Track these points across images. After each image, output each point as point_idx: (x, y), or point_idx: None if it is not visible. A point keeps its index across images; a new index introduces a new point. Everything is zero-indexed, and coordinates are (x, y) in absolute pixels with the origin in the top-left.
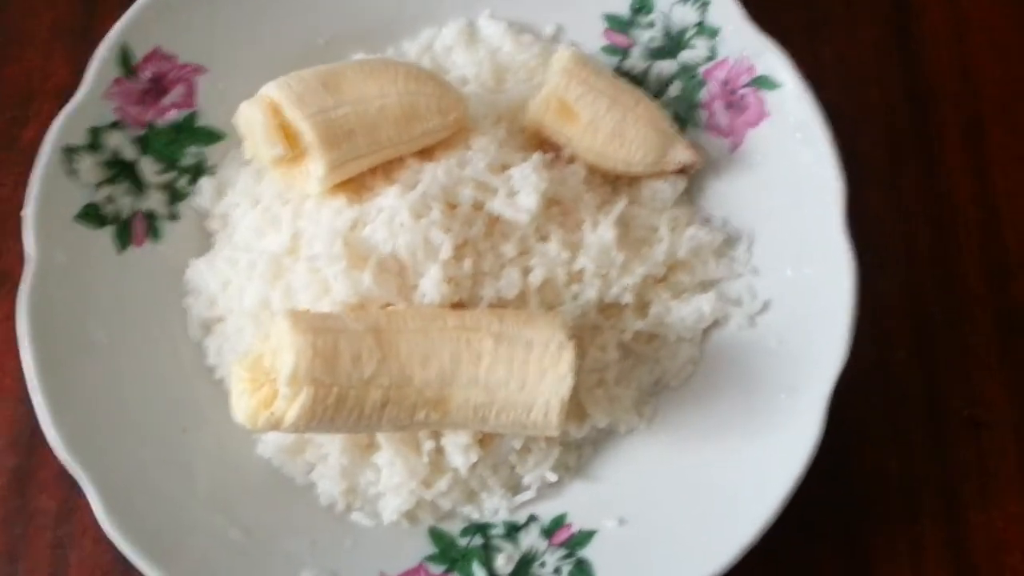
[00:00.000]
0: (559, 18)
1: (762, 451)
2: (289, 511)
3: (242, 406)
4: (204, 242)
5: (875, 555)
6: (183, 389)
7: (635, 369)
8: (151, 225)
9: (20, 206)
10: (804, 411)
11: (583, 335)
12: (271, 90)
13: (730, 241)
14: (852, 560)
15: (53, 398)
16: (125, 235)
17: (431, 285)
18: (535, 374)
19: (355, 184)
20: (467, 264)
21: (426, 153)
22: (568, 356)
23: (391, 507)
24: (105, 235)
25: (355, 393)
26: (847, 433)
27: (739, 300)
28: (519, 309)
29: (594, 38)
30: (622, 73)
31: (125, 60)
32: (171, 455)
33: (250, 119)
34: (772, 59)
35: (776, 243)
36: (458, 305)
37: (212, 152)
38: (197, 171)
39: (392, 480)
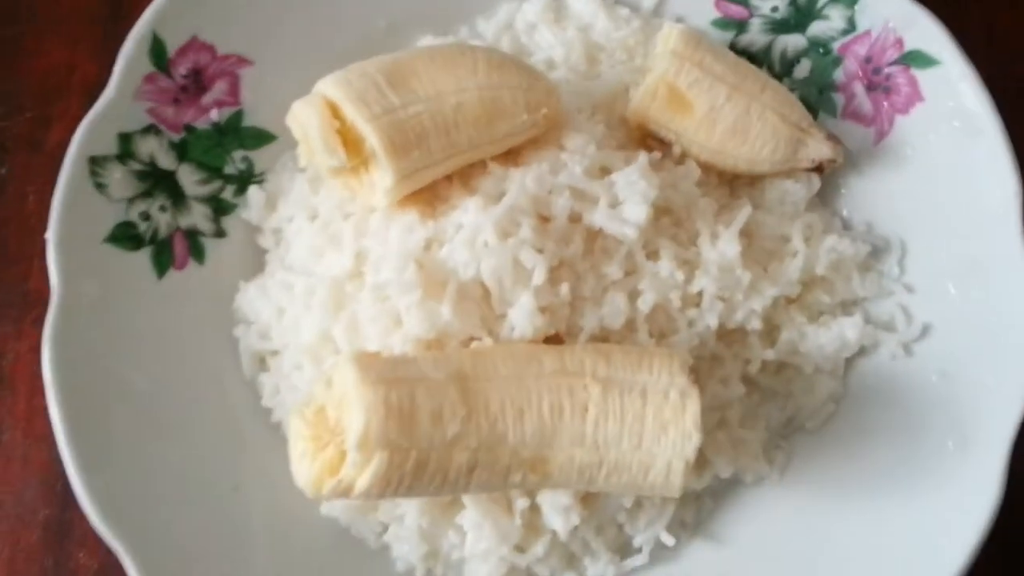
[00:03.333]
0: None
1: (924, 514)
2: None
3: (304, 471)
4: (255, 261)
5: None
6: (235, 437)
7: (763, 406)
8: (194, 244)
9: (47, 220)
10: (978, 465)
11: (701, 368)
12: (328, 87)
13: (877, 252)
14: None
15: (85, 457)
16: (164, 257)
17: (522, 316)
18: (653, 429)
19: (428, 194)
20: (564, 289)
21: (511, 155)
22: (693, 407)
23: (479, 575)
24: (141, 258)
25: (437, 456)
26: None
27: (890, 324)
28: (626, 343)
29: (704, 9)
30: (737, 51)
31: (157, 53)
32: (222, 518)
33: (304, 122)
34: (926, 31)
35: (934, 255)
36: (554, 339)
37: (261, 156)
38: (245, 179)
39: (479, 545)
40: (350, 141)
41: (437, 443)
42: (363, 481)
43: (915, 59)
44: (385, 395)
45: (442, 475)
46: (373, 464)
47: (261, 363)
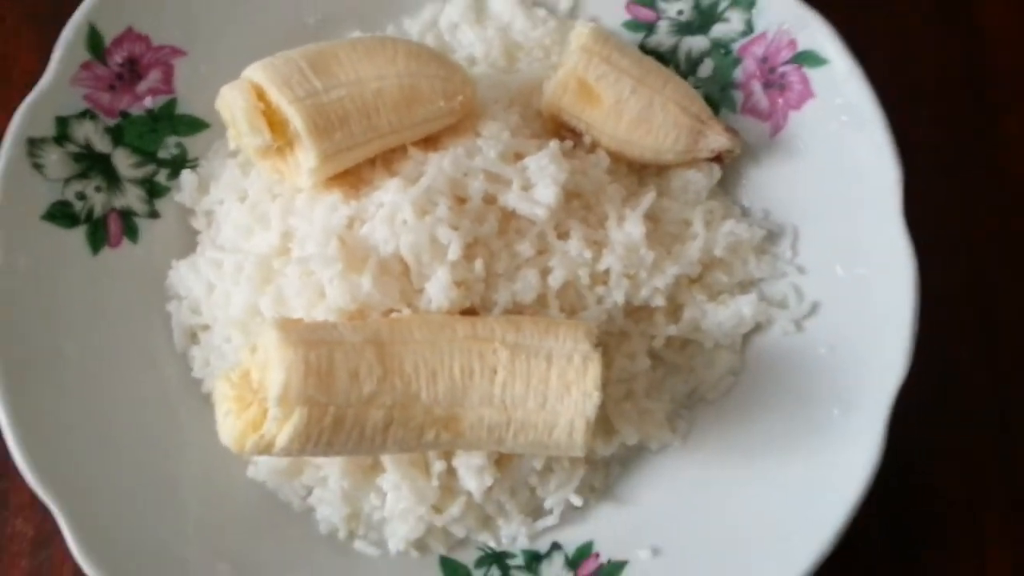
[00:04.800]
0: None
1: (813, 474)
2: (285, 541)
3: (228, 428)
4: (187, 241)
5: None
6: (165, 406)
7: (667, 379)
8: (128, 224)
9: None
10: (860, 429)
11: (609, 342)
12: (254, 72)
13: (772, 236)
14: None
15: (22, 420)
16: (99, 235)
17: (438, 289)
18: (557, 390)
19: (352, 177)
20: (478, 265)
21: (430, 142)
22: (594, 370)
23: (398, 535)
24: (76, 236)
25: (354, 413)
26: (904, 448)
27: (783, 302)
28: (537, 316)
29: (616, 12)
30: (647, 51)
31: (94, 42)
32: (152, 481)
33: (232, 104)
34: (817, 32)
35: (824, 239)
36: (469, 311)
37: (194, 143)
38: (178, 164)
39: (399, 505)
40: (276, 123)
41: (354, 400)
42: (284, 436)
43: (806, 59)
44: (305, 354)
45: (359, 431)
46: (293, 419)
47: (192, 337)
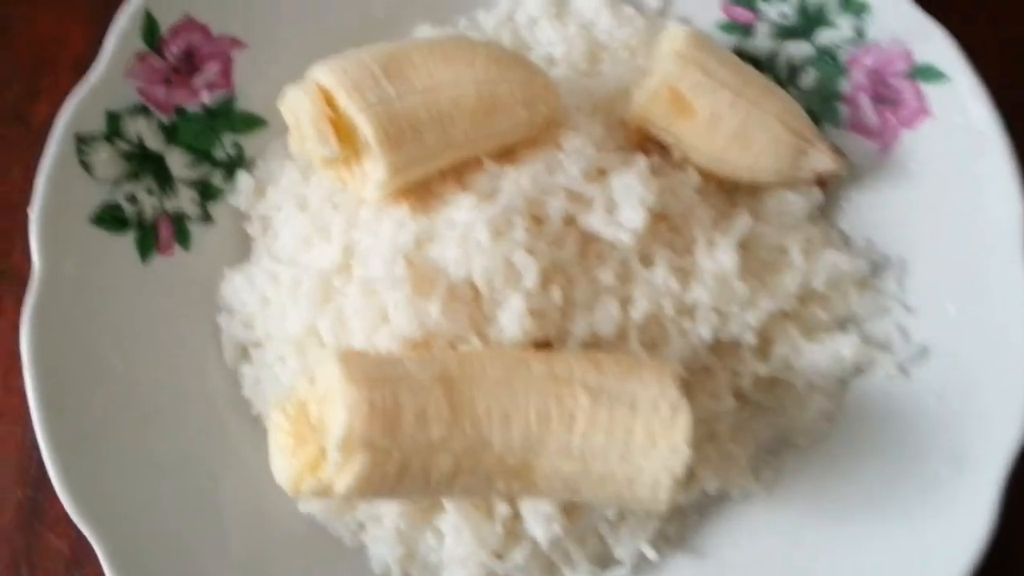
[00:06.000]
0: None
1: (915, 539)
2: None
3: (283, 467)
4: (241, 248)
5: None
6: (213, 426)
7: (753, 421)
8: (180, 229)
9: (29, 195)
10: (972, 491)
11: (691, 380)
12: (322, 75)
13: (877, 269)
14: None
15: (59, 439)
16: (149, 241)
17: (512, 319)
18: (641, 442)
19: (421, 189)
20: (555, 293)
21: (507, 154)
22: (684, 421)
23: None
24: (125, 241)
25: (420, 460)
26: (1010, 513)
27: (887, 343)
28: (617, 352)
29: (710, 12)
30: (742, 55)
31: (150, 32)
32: (197, 508)
33: (297, 108)
34: (937, 44)
35: (935, 273)
36: (543, 343)
37: (251, 142)
38: (234, 165)
39: (458, 549)
40: (343, 130)
41: (421, 445)
42: (343, 482)
43: (924, 73)
44: (369, 394)
45: (424, 478)
46: (354, 466)
47: (243, 353)
